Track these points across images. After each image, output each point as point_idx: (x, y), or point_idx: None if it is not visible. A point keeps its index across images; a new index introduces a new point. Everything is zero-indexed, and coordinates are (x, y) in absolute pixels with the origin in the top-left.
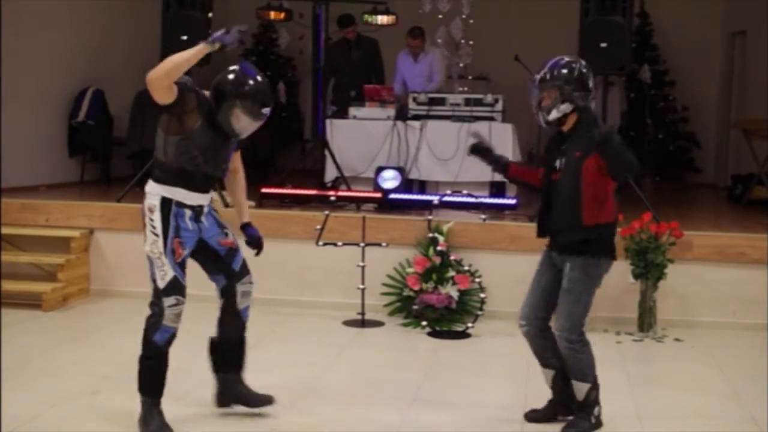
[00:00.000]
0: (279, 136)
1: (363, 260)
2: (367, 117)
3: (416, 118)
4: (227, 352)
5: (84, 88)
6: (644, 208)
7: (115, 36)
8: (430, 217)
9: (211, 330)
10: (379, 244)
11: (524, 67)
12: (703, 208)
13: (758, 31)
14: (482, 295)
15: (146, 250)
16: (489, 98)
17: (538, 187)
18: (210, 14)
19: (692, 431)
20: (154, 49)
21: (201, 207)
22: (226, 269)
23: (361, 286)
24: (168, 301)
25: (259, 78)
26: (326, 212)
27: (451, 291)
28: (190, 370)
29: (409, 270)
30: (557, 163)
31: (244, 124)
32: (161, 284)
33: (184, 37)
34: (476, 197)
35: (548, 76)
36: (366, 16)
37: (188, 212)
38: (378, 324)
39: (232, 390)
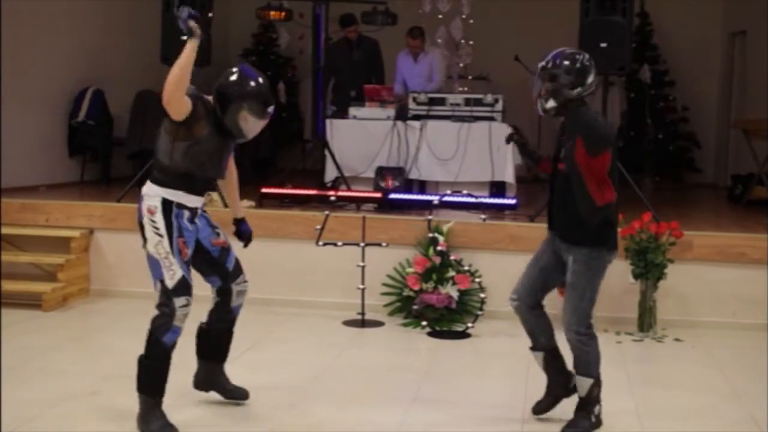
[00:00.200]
0: (279, 136)
1: (363, 260)
2: (367, 117)
3: (416, 118)
4: (214, 341)
5: (84, 88)
6: (644, 208)
7: (115, 36)
8: (430, 217)
9: None
10: (379, 244)
11: (524, 67)
12: (703, 208)
13: (758, 31)
14: (482, 295)
15: (150, 251)
16: (489, 98)
17: None
18: (210, 14)
19: (692, 431)
20: (154, 49)
21: (197, 209)
22: (220, 270)
23: (361, 286)
24: (179, 301)
25: (260, 79)
26: (326, 212)
27: (451, 291)
28: (190, 369)
29: (409, 270)
30: (561, 153)
31: (251, 125)
32: (170, 284)
33: (184, 37)
34: (476, 197)
35: (549, 65)
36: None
37: (187, 213)
38: (378, 324)
39: (211, 378)
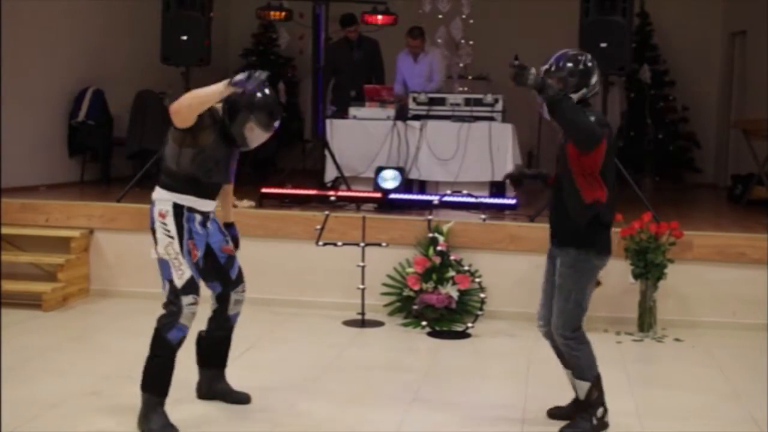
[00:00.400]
0: (279, 136)
1: (363, 260)
2: (367, 117)
3: (416, 118)
4: (212, 348)
5: (84, 88)
6: (644, 208)
7: (115, 36)
8: (430, 217)
9: None
10: (379, 244)
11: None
12: (703, 208)
13: (758, 31)
14: (482, 295)
15: (160, 252)
16: (489, 98)
17: None
18: (210, 14)
19: (692, 431)
20: (154, 49)
21: (208, 213)
22: (223, 277)
23: (361, 286)
24: (186, 299)
25: (268, 92)
26: (326, 212)
27: (451, 291)
28: (191, 370)
29: (409, 270)
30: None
31: (256, 136)
32: (179, 283)
33: (184, 37)
34: (476, 197)
35: (553, 68)
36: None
37: (198, 217)
38: (378, 324)
39: (212, 385)
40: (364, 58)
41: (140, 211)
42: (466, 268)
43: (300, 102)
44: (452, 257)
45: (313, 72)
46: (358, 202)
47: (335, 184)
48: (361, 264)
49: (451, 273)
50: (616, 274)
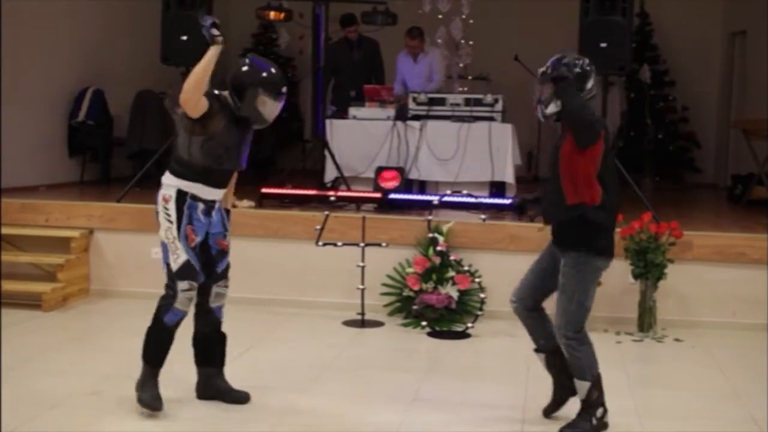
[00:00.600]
0: (279, 136)
1: (363, 260)
2: (367, 117)
3: (416, 118)
4: (205, 347)
5: (84, 88)
6: (644, 208)
7: (115, 36)
8: (430, 217)
9: None
10: (379, 244)
11: (524, 67)
12: (703, 208)
13: (758, 31)
14: (482, 295)
15: (161, 236)
16: (489, 98)
17: None
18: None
19: (692, 431)
20: (154, 49)
21: (214, 202)
22: (209, 269)
23: (361, 286)
24: (182, 284)
25: (269, 64)
26: (326, 212)
27: (451, 291)
28: (191, 370)
29: (409, 270)
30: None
31: (269, 107)
32: (174, 267)
33: (184, 37)
34: (476, 197)
35: (549, 71)
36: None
37: (201, 206)
38: (378, 324)
39: (211, 384)
40: (364, 58)
41: (140, 211)
42: (466, 268)
43: (300, 102)
44: (452, 257)
45: (313, 72)
46: (358, 202)
47: (335, 184)
48: (361, 264)
49: (451, 273)
50: (616, 274)
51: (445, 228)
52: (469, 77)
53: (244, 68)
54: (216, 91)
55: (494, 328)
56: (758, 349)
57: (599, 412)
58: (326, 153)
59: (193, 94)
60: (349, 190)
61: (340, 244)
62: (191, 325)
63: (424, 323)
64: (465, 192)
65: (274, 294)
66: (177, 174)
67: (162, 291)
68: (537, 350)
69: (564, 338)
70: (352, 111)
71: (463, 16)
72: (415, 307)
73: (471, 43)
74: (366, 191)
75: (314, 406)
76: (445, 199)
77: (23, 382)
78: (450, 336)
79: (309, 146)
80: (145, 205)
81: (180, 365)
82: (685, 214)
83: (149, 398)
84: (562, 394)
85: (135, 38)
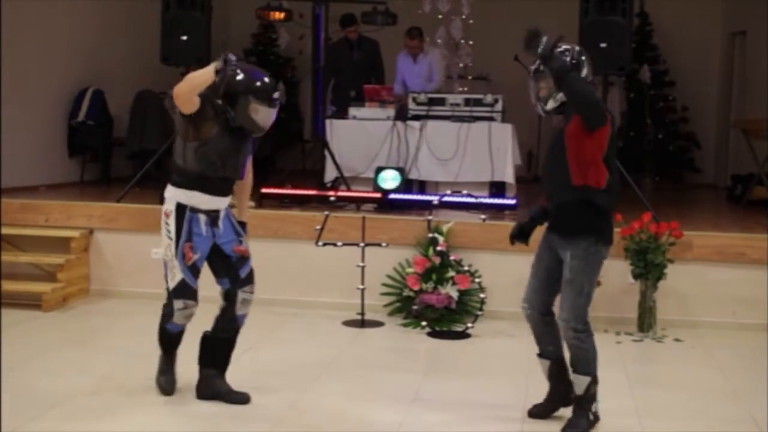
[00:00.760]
0: (279, 136)
1: (363, 260)
2: (366, 117)
3: (416, 118)
4: (216, 349)
5: (84, 88)
6: (644, 208)
7: (115, 36)
8: (429, 217)
9: None
10: (379, 244)
11: (524, 67)
12: (703, 208)
13: (758, 31)
14: (482, 295)
15: (160, 252)
16: (489, 98)
17: None
18: (210, 14)
19: (692, 431)
20: (154, 49)
21: (217, 211)
22: (232, 274)
23: (361, 286)
24: (177, 303)
25: (259, 70)
26: (326, 212)
27: (451, 291)
28: (191, 370)
29: (409, 270)
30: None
31: (263, 114)
32: (171, 285)
33: (184, 37)
34: (476, 197)
35: (542, 67)
36: None
37: (203, 217)
38: (378, 324)
39: (212, 385)
40: (364, 59)
41: (140, 212)
42: (466, 268)
43: (300, 102)
44: (452, 257)
45: (313, 72)
46: (358, 202)
47: (335, 185)
48: (361, 264)
49: (451, 273)
50: (616, 274)
51: (445, 228)
52: (469, 77)
53: (237, 78)
54: (213, 99)
55: (494, 328)
56: (758, 349)
57: (594, 406)
58: (326, 153)
59: (188, 91)
60: (349, 190)
61: (340, 244)
62: (199, 322)
63: (424, 323)
64: (465, 192)
65: (274, 294)
66: (175, 184)
67: (162, 291)
68: (541, 356)
69: (573, 331)
70: (352, 111)
71: (463, 16)
72: (415, 307)
73: (471, 43)
74: (366, 191)
75: (314, 406)
76: (445, 199)
77: (23, 382)
78: (450, 336)
79: (309, 146)
80: (145, 205)
81: (180, 365)
82: (685, 214)
83: (163, 382)
84: (557, 402)
85: (135, 38)
